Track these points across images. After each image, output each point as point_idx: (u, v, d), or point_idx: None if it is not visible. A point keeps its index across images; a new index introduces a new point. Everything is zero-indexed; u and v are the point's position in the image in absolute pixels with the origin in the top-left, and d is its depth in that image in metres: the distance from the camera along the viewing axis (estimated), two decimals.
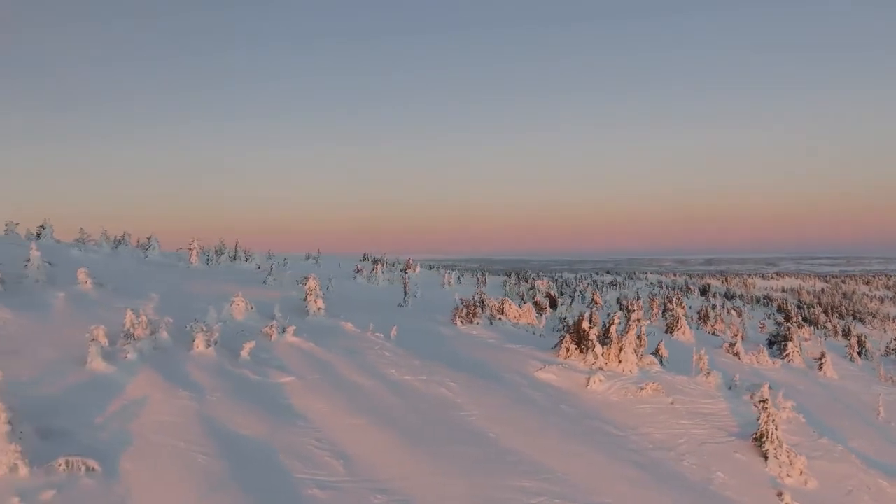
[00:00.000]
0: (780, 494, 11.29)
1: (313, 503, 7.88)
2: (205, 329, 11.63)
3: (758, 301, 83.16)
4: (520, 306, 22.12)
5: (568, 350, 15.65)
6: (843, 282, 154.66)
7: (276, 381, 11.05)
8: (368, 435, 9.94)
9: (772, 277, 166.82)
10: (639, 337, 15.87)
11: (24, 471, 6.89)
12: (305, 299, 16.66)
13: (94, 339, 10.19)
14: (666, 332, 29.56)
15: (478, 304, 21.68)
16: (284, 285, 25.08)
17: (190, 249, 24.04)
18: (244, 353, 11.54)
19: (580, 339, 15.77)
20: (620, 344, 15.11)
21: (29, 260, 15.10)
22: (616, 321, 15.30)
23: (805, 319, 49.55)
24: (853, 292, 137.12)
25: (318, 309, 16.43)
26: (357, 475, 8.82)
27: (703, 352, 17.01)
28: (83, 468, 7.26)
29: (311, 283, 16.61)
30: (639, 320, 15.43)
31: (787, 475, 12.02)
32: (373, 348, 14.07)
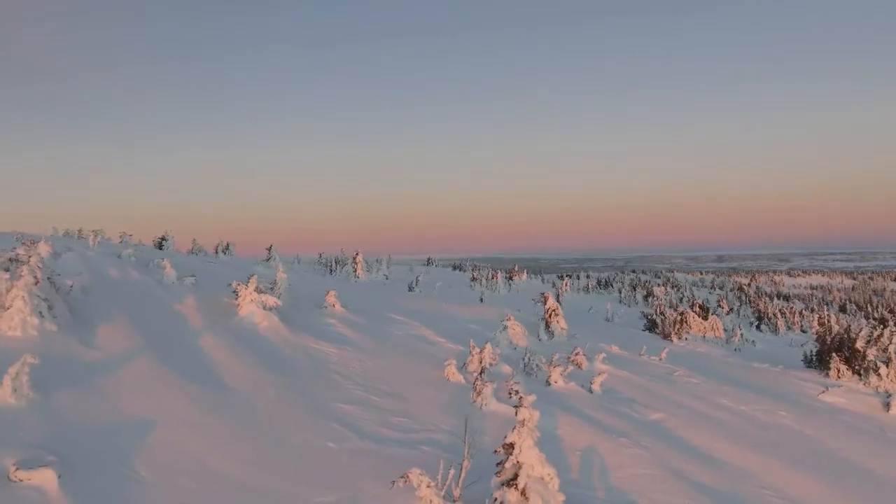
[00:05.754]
0: None
1: None
2: (551, 363, 10.75)
3: (809, 300, 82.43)
4: (706, 318, 21.28)
5: (839, 371, 14.81)
6: (871, 279, 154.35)
7: (651, 418, 10.19)
8: (795, 478, 9.08)
9: (798, 275, 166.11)
10: None
11: None
12: (546, 319, 15.78)
13: (483, 383, 9.24)
14: None
15: (660, 318, 20.85)
16: (434, 296, 24.30)
17: (355, 262, 23.06)
18: (595, 387, 10.68)
19: (849, 359, 14.93)
20: None
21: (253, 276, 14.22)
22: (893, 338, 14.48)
23: None
24: (883, 289, 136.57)
25: (562, 329, 15.57)
26: None
27: None
28: None
29: (551, 303, 15.73)
30: None
31: None
32: (670, 374, 13.22)
